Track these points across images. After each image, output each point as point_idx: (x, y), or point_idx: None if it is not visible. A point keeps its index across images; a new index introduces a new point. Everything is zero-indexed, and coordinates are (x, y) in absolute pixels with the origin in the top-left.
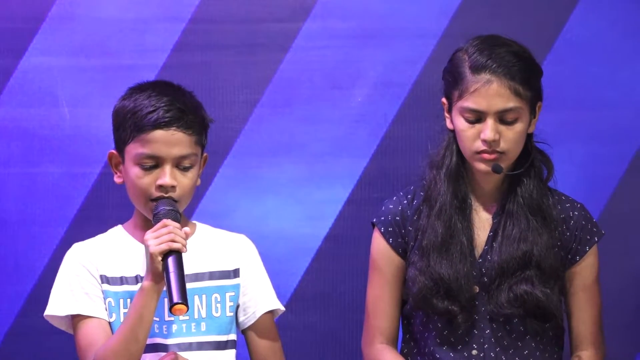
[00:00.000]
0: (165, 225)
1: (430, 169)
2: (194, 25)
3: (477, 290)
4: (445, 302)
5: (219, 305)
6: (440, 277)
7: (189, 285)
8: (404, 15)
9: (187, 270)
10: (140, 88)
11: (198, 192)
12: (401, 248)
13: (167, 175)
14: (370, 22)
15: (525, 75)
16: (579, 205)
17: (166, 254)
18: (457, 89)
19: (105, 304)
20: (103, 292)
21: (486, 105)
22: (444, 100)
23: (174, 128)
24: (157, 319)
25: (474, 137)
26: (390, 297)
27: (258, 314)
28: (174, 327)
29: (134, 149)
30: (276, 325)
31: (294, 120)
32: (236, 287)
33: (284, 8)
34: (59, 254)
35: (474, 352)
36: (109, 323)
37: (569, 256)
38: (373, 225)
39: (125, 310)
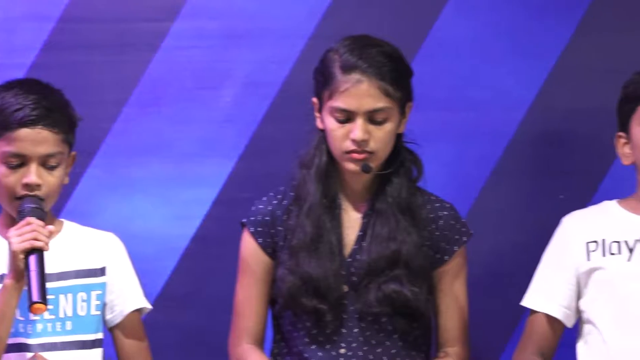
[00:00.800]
0: (28, 223)
1: (300, 168)
2: (62, 25)
3: (346, 290)
4: (313, 301)
5: (84, 304)
6: (309, 276)
7: (54, 284)
8: (273, 16)
9: (53, 268)
10: (7, 86)
11: (66, 191)
12: (270, 248)
13: (32, 174)
14: (239, 22)
15: (396, 75)
16: (448, 205)
17: (28, 252)
18: (327, 89)
19: None
20: None
21: (356, 105)
22: (314, 99)
23: (40, 126)
24: (22, 319)
25: (343, 137)
26: (259, 298)
27: (125, 313)
28: (39, 326)
29: (0, 147)
30: (143, 324)
31: (162, 120)
32: (102, 286)
33: (153, 8)
34: None
35: (342, 350)
36: None
37: (438, 256)
38: (243, 225)
39: None
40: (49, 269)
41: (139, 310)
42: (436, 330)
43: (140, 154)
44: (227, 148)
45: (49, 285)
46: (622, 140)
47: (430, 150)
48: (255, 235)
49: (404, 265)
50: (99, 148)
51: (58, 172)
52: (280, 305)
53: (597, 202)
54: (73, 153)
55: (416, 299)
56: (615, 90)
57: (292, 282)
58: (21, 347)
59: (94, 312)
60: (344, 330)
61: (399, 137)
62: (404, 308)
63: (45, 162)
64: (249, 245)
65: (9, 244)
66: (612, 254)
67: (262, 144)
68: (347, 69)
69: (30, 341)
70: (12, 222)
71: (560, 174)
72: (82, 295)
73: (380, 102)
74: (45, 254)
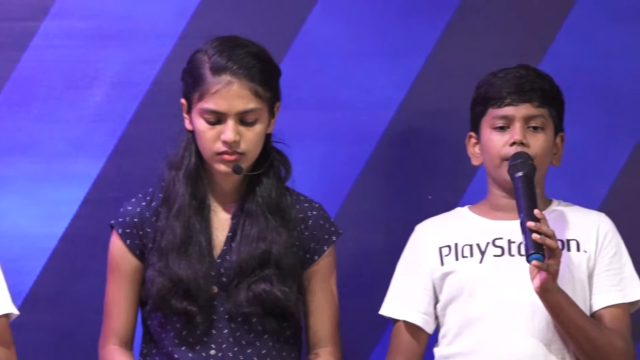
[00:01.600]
0: None
1: (169, 169)
2: None
3: (216, 291)
4: (183, 302)
5: None
6: (179, 278)
7: None
8: (142, 16)
9: None
10: None
11: None
12: (139, 250)
13: None
14: (108, 22)
15: (265, 76)
16: (317, 205)
17: None
18: (197, 91)
19: None
20: None
21: (227, 107)
22: (183, 101)
23: None
24: None
25: (214, 139)
26: (127, 299)
27: None
28: None
29: None
30: (10, 328)
31: (31, 119)
32: None
33: (22, 7)
34: None
35: (212, 351)
36: None
37: (308, 255)
38: (111, 227)
39: None
40: None
41: (6, 316)
42: (307, 331)
43: (9, 153)
44: (96, 148)
45: None
46: (473, 141)
47: (299, 150)
48: (123, 236)
49: (274, 265)
50: None
51: None
52: (150, 306)
53: (466, 203)
54: None
55: (286, 299)
56: None
57: (162, 283)
58: None
59: None
60: (214, 331)
61: (268, 138)
62: (274, 308)
63: None
64: (117, 246)
65: None
66: (465, 257)
67: (131, 143)
68: (217, 70)
69: None
70: None
71: (429, 174)
72: None
73: (251, 103)
74: None
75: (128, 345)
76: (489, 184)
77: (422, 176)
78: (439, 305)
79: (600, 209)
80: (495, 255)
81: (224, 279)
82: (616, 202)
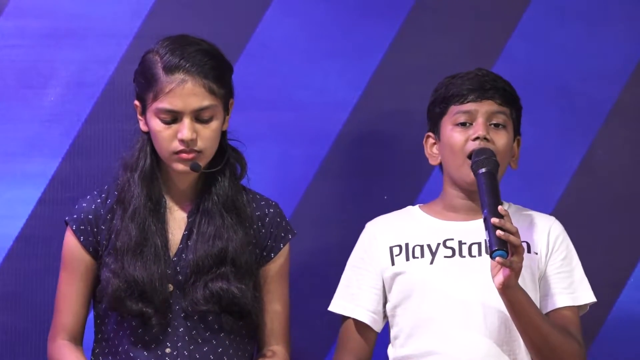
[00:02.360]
0: None
1: (124, 170)
2: None
3: (172, 289)
4: (139, 304)
5: None
6: (134, 280)
7: None
8: (97, 15)
9: None
10: None
11: None
12: (92, 247)
13: None
14: (63, 21)
15: (218, 72)
16: (273, 204)
17: None
18: (151, 91)
19: None
20: None
21: (182, 105)
22: (136, 102)
23: None
24: None
25: (170, 138)
26: (78, 295)
27: None
28: None
29: None
30: None
31: None
32: None
33: None
34: None
35: (168, 350)
36: None
37: (264, 253)
38: (66, 223)
39: None
40: None
41: None
42: (260, 329)
43: None
44: (51, 147)
45: None
46: (431, 141)
47: (255, 151)
48: (77, 233)
49: (231, 262)
50: None
51: None
52: (105, 306)
53: (422, 203)
54: None
55: (243, 296)
56: None
57: (117, 285)
58: None
59: None
60: (169, 330)
61: (223, 135)
62: (231, 305)
63: None
64: (71, 243)
65: None
66: (415, 257)
67: (86, 143)
68: (169, 69)
69: None
70: None
71: (385, 174)
72: None
73: (206, 100)
74: None
75: (77, 340)
76: (445, 184)
77: (378, 176)
78: (388, 305)
79: (554, 209)
80: (446, 257)
81: (180, 277)
82: (571, 202)
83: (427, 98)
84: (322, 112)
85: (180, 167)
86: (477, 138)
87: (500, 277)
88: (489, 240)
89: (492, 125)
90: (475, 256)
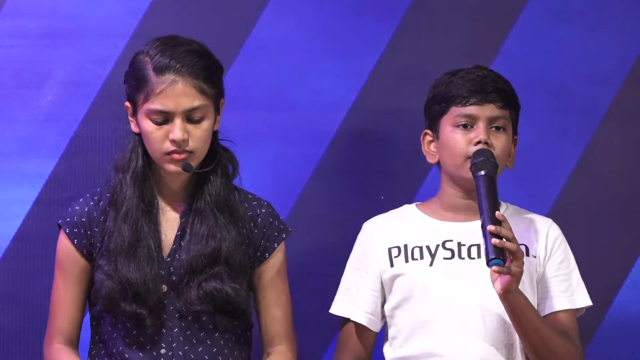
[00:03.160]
0: None
1: (116, 172)
2: None
3: (166, 289)
4: (133, 305)
5: None
6: (128, 281)
7: None
8: (94, 15)
9: None
10: None
11: None
12: (86, 250)
13: None
14: (60, 21)
15: (209, 72)
16: (265, 204)
17: None
18: (142, 92)
19: None
20: None
21: (173, 106)
22: (127, 104)
23: None
24: None
25: (162, 139)
26: (73, 298)
27: None
28: None
29: None
30: None
31: None
32: None
33: None
34: None
35: (163, 350)
36: None
37: (258, 253)
38: (59, 226)
39: None
40: None
41: None
42: (260, 330)
43: None
44: (48, 148)
45: None
46: (429, 138)
47: (251, 151)
48: (70, 236)
49: (224, 262)
50: None
51: None
52: (100, 308)
53: (419, 202)
54: None
55: (237, 296)
56: None
57: (111, 287)
58: None
59: None
60: (164, 330)
61: (214, 135)
62: (225, 305)
63: None
64: (64, 246)
65: None
66: (415, 259)
67: (83, 143)
68: (160, 70)
69: None
70: None
71: (382, 174)
72: None
73: (197, 101)
74: None
75: (73, 344)
76: (442, 182)
77: (374, 176)
78: (387, 306)
79: (551, 210)
80: (445, 258)
81: (173, 278)
82: (568, 203)
83: (424, 98)
84: (319, 112)
85: (172, 167)
86: (478, 142)
87: (499, 284)
88: (485, 248)
89: (493, 129)
90: (474, 258)
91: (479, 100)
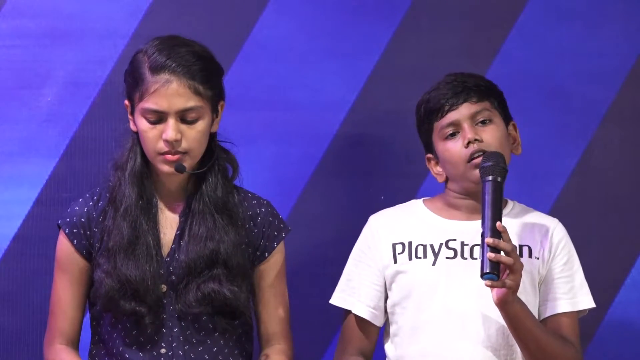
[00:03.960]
0: None
1: (115, 170)
2: None
3: (165, 289)
4: (132, 303)
5: None
6: (127, 279)
7: None
8: (94, 16)
9: None
10: None
11: None
12: (85, 250)
13: None
14: (60, 21)
15: (206, 74)
16: (265, 202)
17: None
18: (138, 91)
19: None
20: None
21: (167, 105)
22: (126, 102)
23: None
24: None
25: (156, 138)
26: (73, 299)
27: None
28: None
29: None
30: None
31: None
32: None
33: None
34: None
35: (163, 350)
36: None
37: (258, 253)
38: (58, 226)
39: None
40: None
41: None
42: (258, 328)
43: None
44: (48, 148)
45: None
46: (433, 161)
47: (252, 151)
48: (70, 236)
49: (223, 264)
50: None
51: None
52: (99, 307)
53: None
54: None
55: (235, 298)
56: None
57: (110, 285)
58: None
59: None
60: (164, 330)
61: (212, 137)
62: (223, 307)
63: None
64: (64, 246)
65: None
66: (418, 257)
67: (83, 143)
68: (156, 69)
69: None
70: None
71: (381, 175)
72: None
73: (191, 101)
74: None
75: (74, 344)
76: (448, 183)
77: (374, 177)
78: (388, 302)
79: (551, 210)
80: (447, 258)
81: (173, 278)
82: (568, 203)
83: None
84: (319, 112)
85: (165, 168)
86: (469, 143)
87: (494, 295)
88: (481, 260)
89: (479, 124)
90: (476, 258)
91: (452, 105)
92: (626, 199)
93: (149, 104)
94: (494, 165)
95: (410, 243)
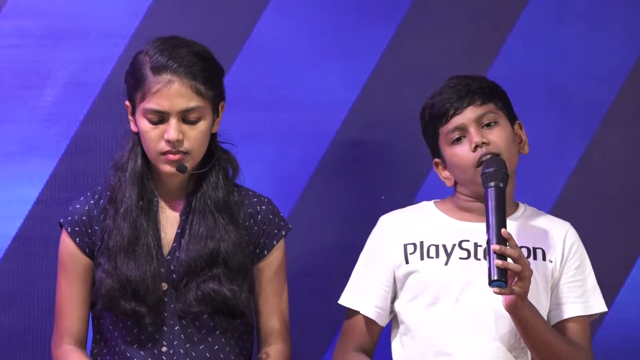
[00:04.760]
0: None
1: (115, 171)
2: None
3: (166, 288)
4: (132, 303)
5: None
6: (127, 279)
7: None
8: (94, 15)
9: None
10: None
11: None
12: (88, 248)
13: None
14: (61, 21)
15: (207, 74)
16: (266, 200)
17: None
18: (139, 91)
19: None
20: None
21: (168, 106)
22: (127, 103)
23: None
24: None
25: (157, 138)
26: (78, 298)
27: None
28: None
29: None
30: None
31: None
32: None
33: None
34: None
35: (164, 348)
36: None
37: (257, 250)
38: (60, 225)
39: None
40: None
41: None
42: (257, 326)
43: None
44: (49, 147)
45: None
46: (440, 166)
47: (252, 151)
48: (72, 235)
49: (223, 263)
50: None
51: None
52: (100, 306)
53: (418, 202)
54: None
55: (235, 297)
56: None
57: (110, 285)
58: None
59: None
60: (165, 329)
61: (213, 137)
62: (223, 306)
63: None
64: (67, 245)
65: None
66: (430, 257)
67: (84, 143)
68: (157, 70)
69: None
70: None
71: (382, 174)
72: None
73: (193, 102)
74: None
75: (82, 344)
76: (457, 187)
77: (375, 176)
78: (399, 302)
79: (552, 210)
80: (461, 258)
81: (173, 276)
82: (568, 203)
83: (424, 98)
84: (319, 112)
85: (166, 168)
86: (476, 147)
87: (504, 300)
88: (488, 268)
89: (485, 127)
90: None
91: (457, 109)
92: (627, 198)
93: (151, 104)
94: (495, 171)
95: (422, 243)
